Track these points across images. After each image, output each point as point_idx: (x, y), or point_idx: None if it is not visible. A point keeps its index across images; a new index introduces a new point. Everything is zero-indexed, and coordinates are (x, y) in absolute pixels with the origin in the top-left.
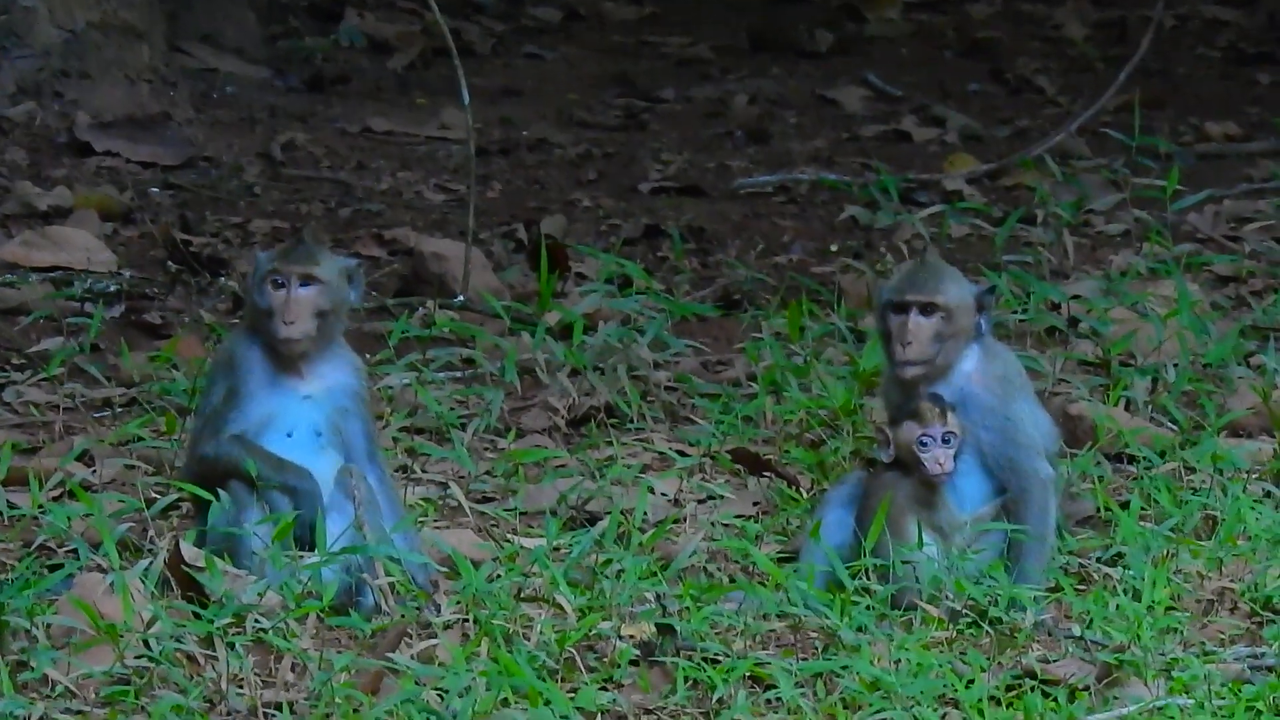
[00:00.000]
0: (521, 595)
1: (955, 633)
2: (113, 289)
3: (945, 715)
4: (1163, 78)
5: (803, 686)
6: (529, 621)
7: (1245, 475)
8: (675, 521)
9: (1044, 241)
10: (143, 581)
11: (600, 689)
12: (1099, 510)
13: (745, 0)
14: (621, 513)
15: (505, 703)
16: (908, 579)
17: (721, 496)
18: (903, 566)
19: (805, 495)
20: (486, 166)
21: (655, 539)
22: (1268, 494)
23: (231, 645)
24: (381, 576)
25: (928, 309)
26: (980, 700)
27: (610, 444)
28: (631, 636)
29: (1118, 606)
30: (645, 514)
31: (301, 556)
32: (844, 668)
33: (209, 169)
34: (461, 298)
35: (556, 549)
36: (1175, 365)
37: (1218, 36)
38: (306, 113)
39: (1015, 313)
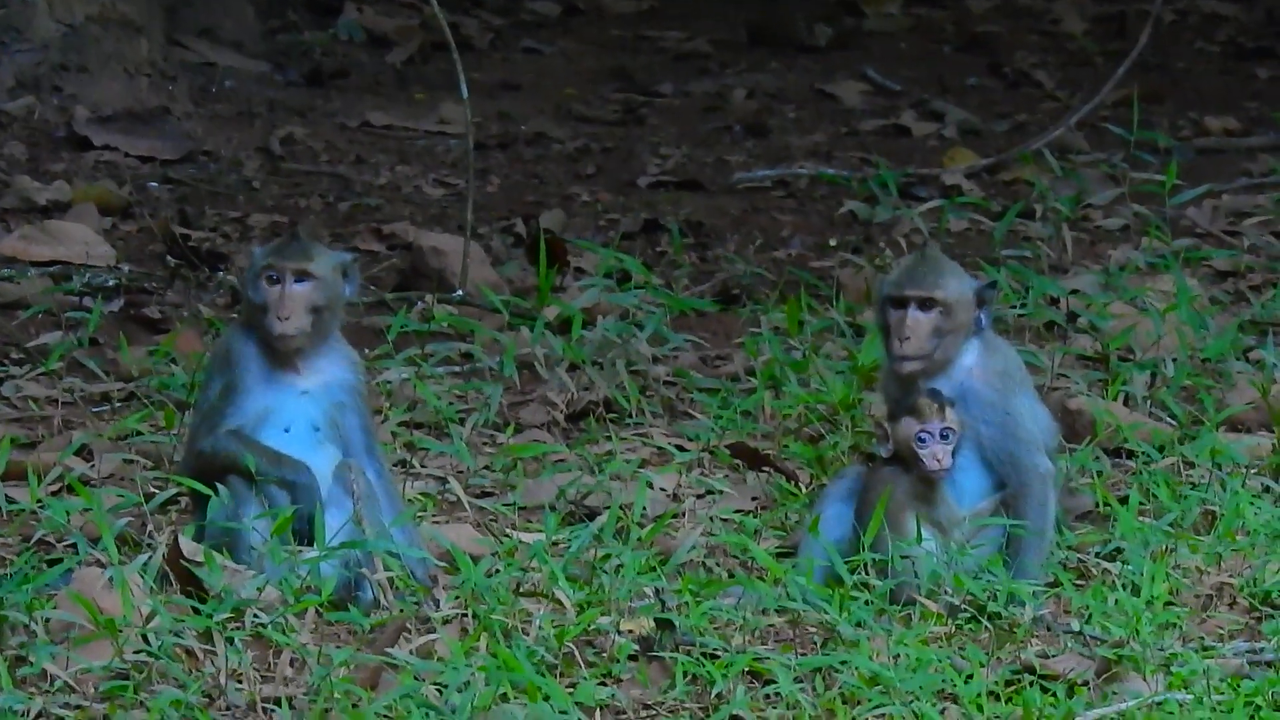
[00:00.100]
0: (520, 590)
1: (954, 628)
2: (111, 283)
3: (944, 710)
4: (1162, 72)
5: (801, 681)
6: (528, 616)
7: (1244, 470)
8: (674, 516)
9: (1043, 236)
10: (141, 576)
11: (599, 684)
12: (1098, 505)
13: None
14: (620, 508)
15: (504, 698)
16: (906, 574)
17: (720, 491)
18: (901, 561)
19: (804, 490)
20: (485, 161)
21: (654, 534)
22: (1266, 489)
23: (230, 640)
24: (380, 571)
25: (926, 304)
26: (979, 695)
27: (609, 439)
28: (630, 631)
29: (1116, 601)
30: (644, 509)
31: (300, 551)
32: (843, 663)
33: (208, 163)
34: (460, 292)
35: (555, 544)
36: (1174, 360)
37: (1217, 31)
38: (305, 107)
39: (1014, 307)
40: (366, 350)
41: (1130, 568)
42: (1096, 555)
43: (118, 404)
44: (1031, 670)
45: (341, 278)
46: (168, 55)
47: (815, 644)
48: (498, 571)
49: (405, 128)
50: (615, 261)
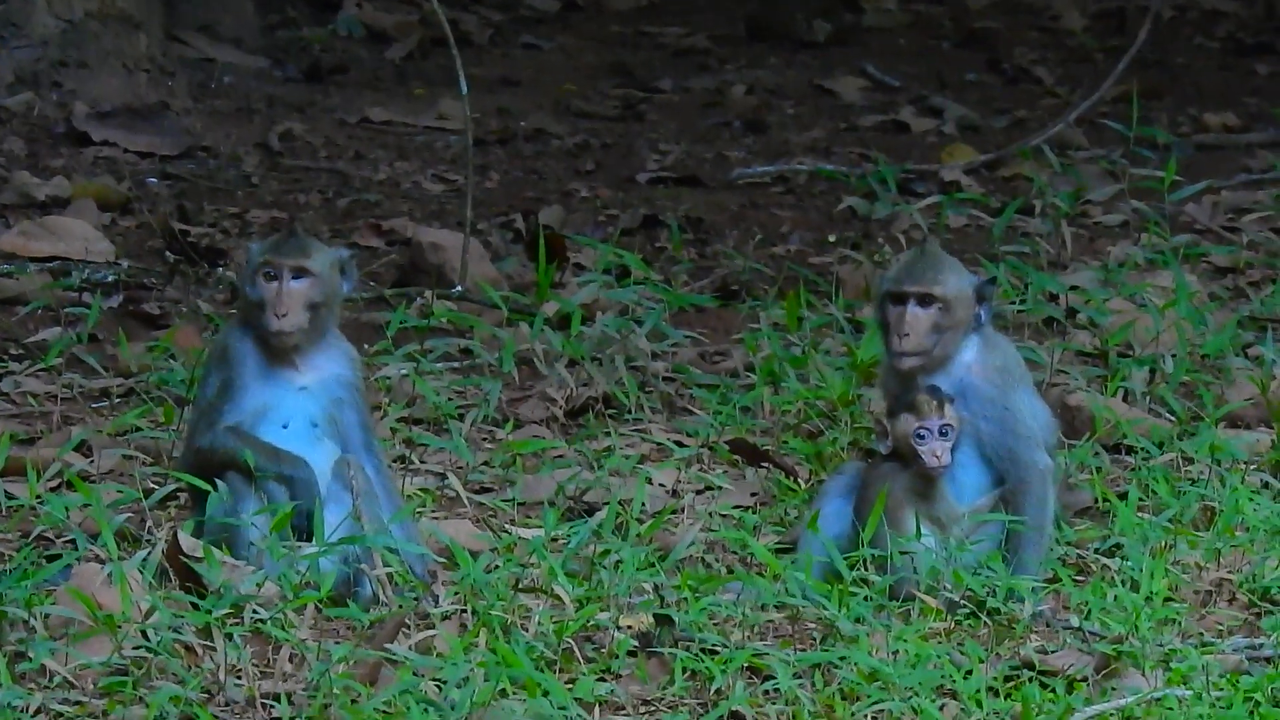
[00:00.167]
0: (519, 586)
1: (953, 624)
2: (111, 279)
3: (943, 706)
4: (1161, 68)
5: (801, 677)
6: (527, 612)
7: (1243, 466)
8: (673, 512)
9: (1042, 232)
10: (141, 572)
11: (598, 680)
12: (1097, 501)
13: None
14: (619, 503)
15: (503, 693)
16: (906, 570)
17: (719, 487)
18: (901, 557)
19: (803, 486)
20: (484, 157)
21: (653, 530)
22: (1266, 485)
23: (229, 636)
24: (379, 567)
25: (925, 300)
26: (978, 691)
27: (608, 434)
28: (629, 627)
29: (1116, 597)
30: (643, 505)
31: (299, 547)
32: (842, 659)
33: (207, 159)
34: (459, 288)
35: (554, 540)
36: (1173, 356)
37: (1216, 27)
38: (304, 103)
39: (1013, 303)
40: (366, 346)
41: (1129, 564)
42: (1096, 551)
43: (117, 400)
44: (1030, 666)
45: (339, 274)
46: (167, 51)
47: (814, 640)
48: (497, 567)
49: (404, 123)
50: (614, 257)
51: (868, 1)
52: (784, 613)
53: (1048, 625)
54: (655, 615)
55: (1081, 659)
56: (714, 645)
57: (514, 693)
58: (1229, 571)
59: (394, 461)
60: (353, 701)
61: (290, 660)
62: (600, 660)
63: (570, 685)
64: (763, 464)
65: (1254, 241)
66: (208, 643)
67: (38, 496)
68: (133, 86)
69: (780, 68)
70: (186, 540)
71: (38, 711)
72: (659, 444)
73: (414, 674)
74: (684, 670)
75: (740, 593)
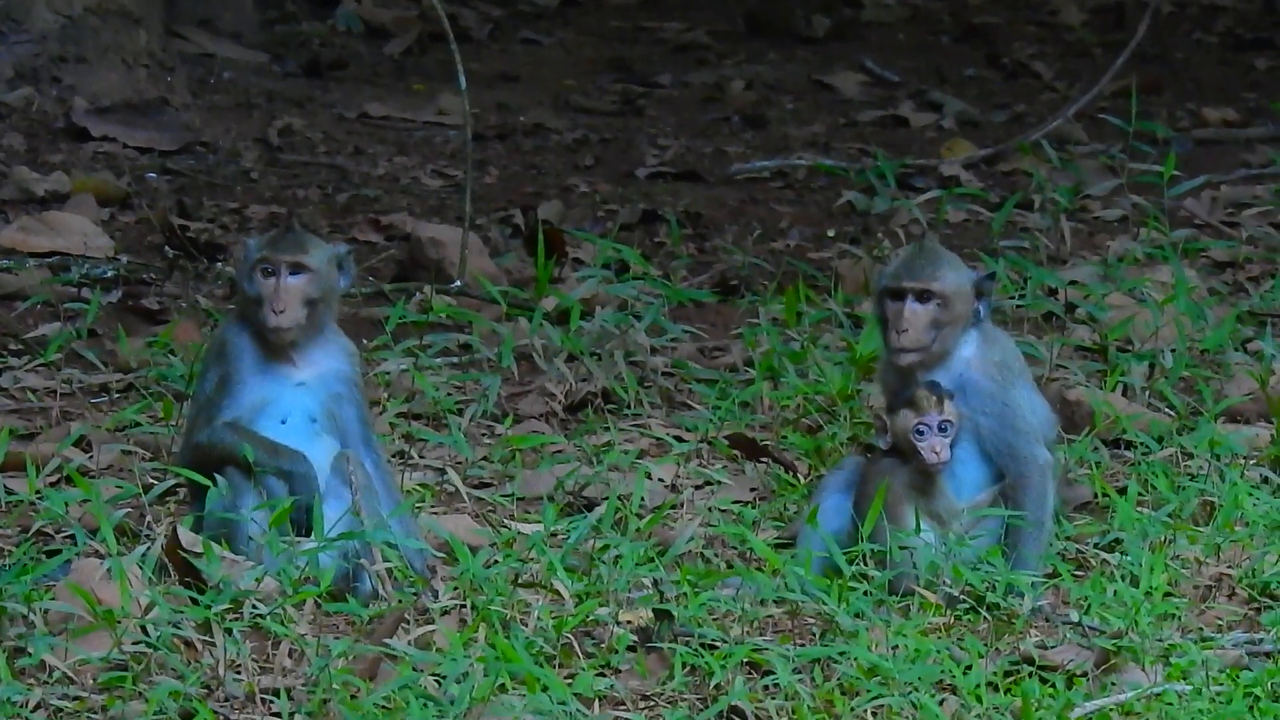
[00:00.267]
0: (519, 581)
1: (953, 619)
2: (110, 274)
3: (943, 701)
4: (1160, 63)
5: (800, 672)
6: (526, 607)
7: (1243, 461)
8: (672, 507)
9: (1041, 227)
10: (140, 567)
11: (598, 675)
12: (1096, 496)
13: None
14: (619, 498)
15: (503, 688)
16: (905, 565)
17: (719, 482)
18: (900, 552)
19: (802, 481)
20: (483, 152)
21: (652, 525)
22: (1265, 480)
23: (229, 631)
24: (379, 562)
25: (924, 296)
26: (978, 686)
27: (607, 429)
28: (629, 622)
29: (1115, 592)
30: (642, 500)
31: (298, 542)
32: (841, 654)
33: (206, 154)
34: (458, 283)
35: (554, 535)
36: (1172, 351)
37: (1215, 22)
38: (303, 98)
39: (1012, 298)
40: (365, 341)
41: (1129, 559)
42: (1095, 546)
43: (116, 395)
44: (1030, 661)
45: (336, 269)
46: (166, 46)
47: (814, 635)
48: (496, 562)
49: (403, 119)
50: (613, 252)
51: None
52: (783, 608)
53: (1047, 620)
54: (655, 610)
55: (1081, 654)
56: (713, 640)
57: (513, 688)
58: (1228, 566)
59: (393, 457)
60: (352, 697)
61: (290, 655)
62: (599, 655)
63: (569, 680)
64: (762, 459)
65: (1253, 236)
66: (207, 638)
67: (37, 492)
68: (132, 82)
69: (779, 63)
70: (186, 535)
71: (37, 707)
72: (658, 439)
73: (413, 669)
74: (683, 665)
75: (739, 588)
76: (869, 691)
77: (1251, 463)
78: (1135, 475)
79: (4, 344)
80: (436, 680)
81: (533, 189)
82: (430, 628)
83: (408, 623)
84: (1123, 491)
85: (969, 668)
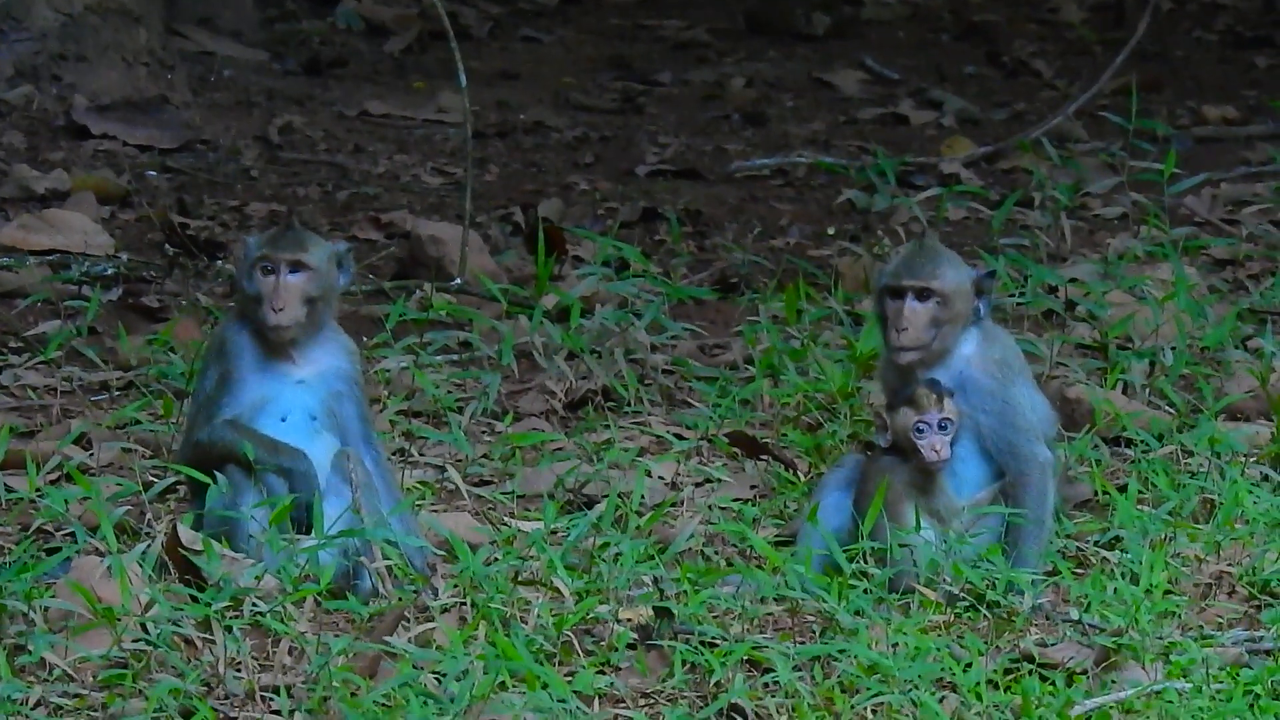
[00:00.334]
0: (519, 579)
1: (953, 616)
2: (110, 272)
3: (943, 699)
4: (1160, 61)
5: (800, 670)
6: (526, 605)
7: (1243, 459)
8: (672, 505)
9: (1041, 225)
10: (140, 565)
11: (598, 672)
12: (1096, 494)
13: None
14: (619, 496)
15: (503, 686)
16: (905, 563)
17: (719, 480)
18: (900, 550)
19: (803, 479)
20: (483, 150)
21: (652, 522)
22: (1265, 477)
23: (229, 629)
24: (379, 560)
25: (923, 294)
26: (978, 684)
27: (607, 427)
28: (629, 620)
29: (1115, 590)
30: (642, 497)
31: (298, 540)
32: (841, 651)
33: (206, 152)
34: (458, 281)
35: (554, 532)
36: (1173, 348)
37: (1215, 19)
38: (303, 96)
39: (1012, 296)
40: (365, 339)
41: (1129, 556)
42: (1095, 544)
43: (116, 393)
44: (1030, 659)
45: (336, 267)
46: (166, 44)
47: (814, 632)
48: (496, 560)
49: (403, 117)
50: (613, 250)
51: None
52: (783, 605)
53: (1047, 618)
54: (655, 608)
55: (1081, 652)
56: (713, 638)
57: (513, 685)
58: (1229, 564)
59: (393, 454)
60: (352, 694)
61: (290, 653)
62: (600, 653)
63: (569, 678)
64: (762, 457)
65: (1253, 234)
66: (207, 636)
67: (37, 489)
68: (132, 80)
69: (779, 61)
70: (186, 533)
71: (37, 704)
72: (658, 437)
73: (413, 667)
74: (683, 663)
75: (740, 585)
76: (869, 689)
77: (1252, 460)
78: (1135, 473)
79: (4, 342)
80: (436, 678)
81: (533, 187)
82: (430, 625)
83: (408, 620)
84: (1123, 489)
85: (969, 665)
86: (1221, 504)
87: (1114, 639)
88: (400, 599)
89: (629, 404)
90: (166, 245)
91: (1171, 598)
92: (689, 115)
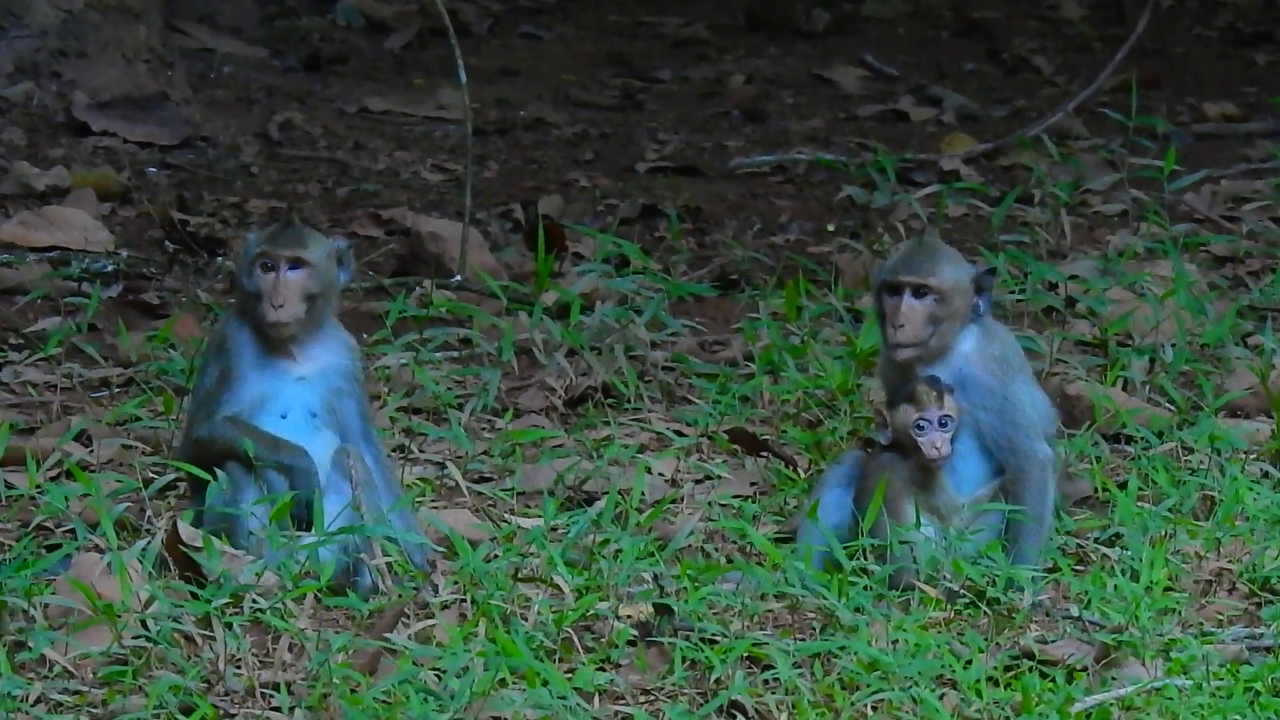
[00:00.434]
0: (519, 575)
1: (953, 613)
2: (110, 269)
3: (943, 696)
4: (1160, 58)
5: (800, 667)
6: (526, 602)
7: (1243, 456)
8: (673, 502)
9: (1041, 221)
10: (140, 562)
11: (598, 669)
12: (1097, 491)
13: None
14: (619, 493)
15: (503, 683)
16: (905, 559)
17: (719, 477)
18: (900, 547)
19: (802, 475)
20: (483, 146)
21: (653, 519)
22: (1266, 474)
23: (229, 625)
24: (379, 556)
25: (921, 291)
26: (978, 681)
27: (607, 424)
28: (629, 617)
29: (1115, 587)
30: (643, 494)
31: (299, 537)
32: (841, 648)
33: (206, 149)
34: (458, 278)
35: (554, 529)
36: (1173, 345)
37: (1215, 16)
38: (303, 93)
39: (1012, 293)
40: (365, 335)
41: (1129, 553)
42: (1095, 541)
43: (116, 389)
44: (1030, 656)
45: (336, 264)
46: (166, 41)
47: (814, 629)
48: (496, 557)
49: (403, 113)
50: (613, 247)
51: None
52: (783, 602)
53: (1047, 615)
54: (655, 605)
55: (1081, 649)
56: (713, 635)
57: (513, 682)
58: (1229, 561)
59: (393, 451)
60: (352, 691)
61: (290, 650)
62: (600, 650)
63: (570, 675)
64: (762, 453)
65: (1253, 231)
66: (207, 632)
67: (37, 486)
68: (132, 76)
69: (779, 57)
70: (186, 530)
71: (37, 701)
72: (658, 433)
73: (413, 663)
74: (683, 660)
75: (740, 582)
76: (869, 686)
77: (1252, 457)
78: (1135, 470)
79: (4, 338)
80: (436, 675)
81: (533, 183)
82: (430, 622)
83: (408, 617)
84: (1123, 486)
85: (969, 662)
86: (1222, 501)
87: (1114, 636)
88: (400, 596)
89: (629, 401)
90: (166, 242)
91: (1172, 595)
92: (689, 112)
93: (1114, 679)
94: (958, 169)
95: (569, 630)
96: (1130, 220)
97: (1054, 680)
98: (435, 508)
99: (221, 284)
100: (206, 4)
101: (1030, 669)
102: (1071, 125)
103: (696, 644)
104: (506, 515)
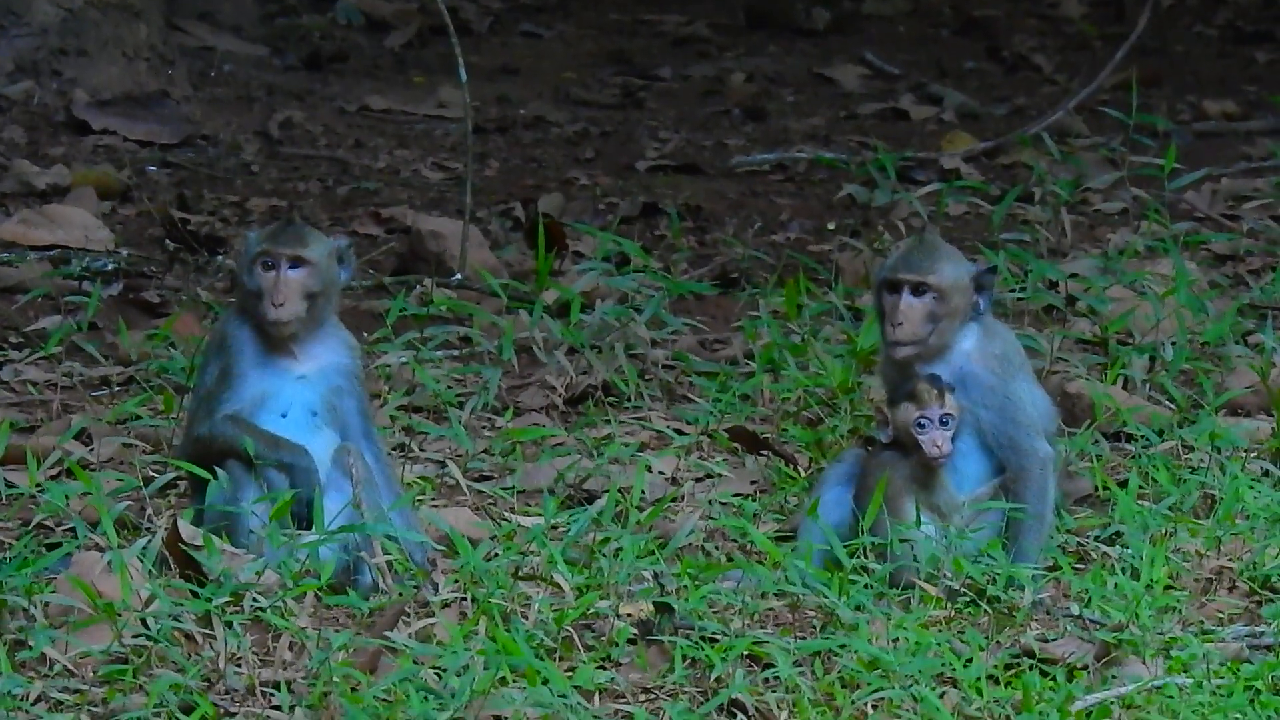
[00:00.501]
0: (519, 574)
1: (953, 611)
2: (110, 267)
3: (943, 694)
4: (1160, 56)
5: (801, 665)
6: (527, 600)
7: (1243, 454)
8: (673, 500)
9: (1042, 220)
10: (141, 560)
11: (598, 668)
12: (1097, 489)
13: None
14: (619, 491)
15: (503, 681)
16: (906, 558)
17: (719, 475)
18: (901, 545)
19: (803, 474)
20: (484, 145)
21: (653, 517)
22: (1266, 473)
23: (229, 624)
24: (379, 555)
25: (919, 289)
26: (978, 679)
27: (608, 422)
28: (629, 615)
29: (1116, 585)
30: (643, 492)
31: (299, 535)
32: (842, 646)
33: (206, 147)
34: (459, 276)
35: (554, 527)
36: (1173, 343)
37: (1215, 14)
38: (304, 91)
39: (1013, 291)
40: (365, 334)
41: (1129, 552)
42: (1096, 539)
43: (116, 388)
44: (1031, 654)
45: (337, 263)
46: (166, 39)
47: (814, 628)
48: (496, 555)
49: (404, 112)
50: (614, 245)
51: None
52: (784, 600)
53: (1048, 613)
54: (655, 603)
55: (1082, 647)
56: (714, 633)
57: (514, 681)
58: (1229, 559)
59: (394, 449)
60: (352, 689)
61: (290, 648)
62: (600, 648)
63: (570, 673)
64: (762, 452)
65: (1254, 229)
66: (207, 631)
67: (37, 485)
68: (132, 75)
69: (779, 55)
70: (186, 528)
71: (38, 699)
72: (659, 432)
73: (414, 662)
74: (684, 658)
75: (740, 580)
76: (869, 684)
77: (1252, 455)
78: (1136, 468)
79: (5, 337)
80: (437, 673)
81: (533, 182)
82: (430, 621)
83: (408, 616)
84: (1123, 484)
85: (969, 660)
86: (1222, 499)
87: (1115, 634)
88: (400, 594)
89: (629, 399)
90: (167, 240)
91: (1172, 593)
92: (689, 110)
93: (1114, 677)
94: (958, 167)
95: (569, 629)
96: (1131, 218)
97: (1054, 678)
98: (435, 506)
99: (222, 282)
100: (207, 2)
101: (1031, 667)
102: (1072, 123)
103: (697, 642)
104: (507, 514)
